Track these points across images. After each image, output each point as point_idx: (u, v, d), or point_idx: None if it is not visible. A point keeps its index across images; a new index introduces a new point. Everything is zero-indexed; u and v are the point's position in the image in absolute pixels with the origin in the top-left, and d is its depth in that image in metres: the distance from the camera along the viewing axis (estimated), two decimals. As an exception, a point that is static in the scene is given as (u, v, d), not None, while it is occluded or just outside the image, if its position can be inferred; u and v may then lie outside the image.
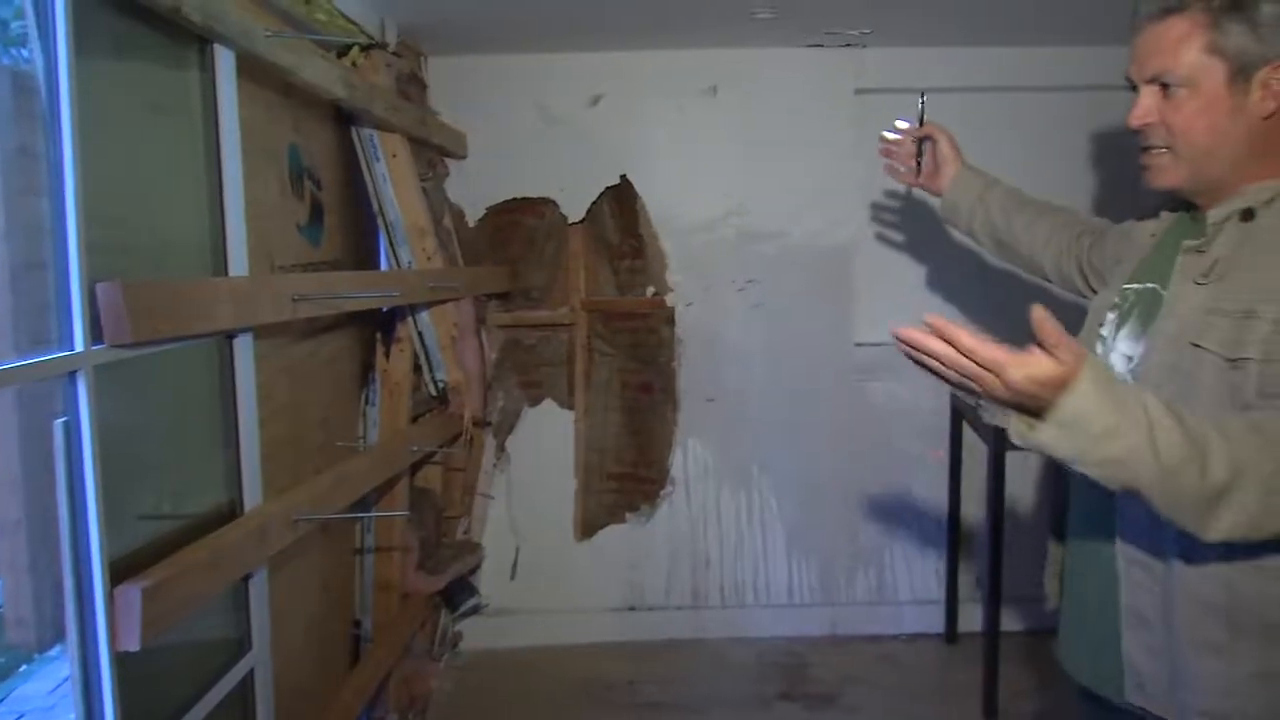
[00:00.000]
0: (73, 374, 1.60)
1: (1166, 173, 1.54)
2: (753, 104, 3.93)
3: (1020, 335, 1.27)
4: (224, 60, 2.05)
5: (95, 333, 1.62)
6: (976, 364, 1.23)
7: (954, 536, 4.01)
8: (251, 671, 2.21)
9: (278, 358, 2.49)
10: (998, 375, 1.23)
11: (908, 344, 1.27)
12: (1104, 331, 1.66)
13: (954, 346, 1.24)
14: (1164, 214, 1.71)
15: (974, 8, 3.29)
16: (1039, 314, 1.22)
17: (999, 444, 3.33)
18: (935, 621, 4.11)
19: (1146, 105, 1.52)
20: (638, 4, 3.19)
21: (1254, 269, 1.44)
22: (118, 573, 1.67)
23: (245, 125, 2.20)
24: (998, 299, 3.84)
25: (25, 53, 3.64)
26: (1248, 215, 1.49)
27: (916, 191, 2.66)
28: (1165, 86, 1.49)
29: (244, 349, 2.15)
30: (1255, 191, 1.49)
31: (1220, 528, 1.30)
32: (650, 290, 4.01)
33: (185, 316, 1.82)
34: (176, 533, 1.94)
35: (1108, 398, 1.25)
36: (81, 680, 1.64)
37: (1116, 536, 1.58)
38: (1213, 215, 1.53)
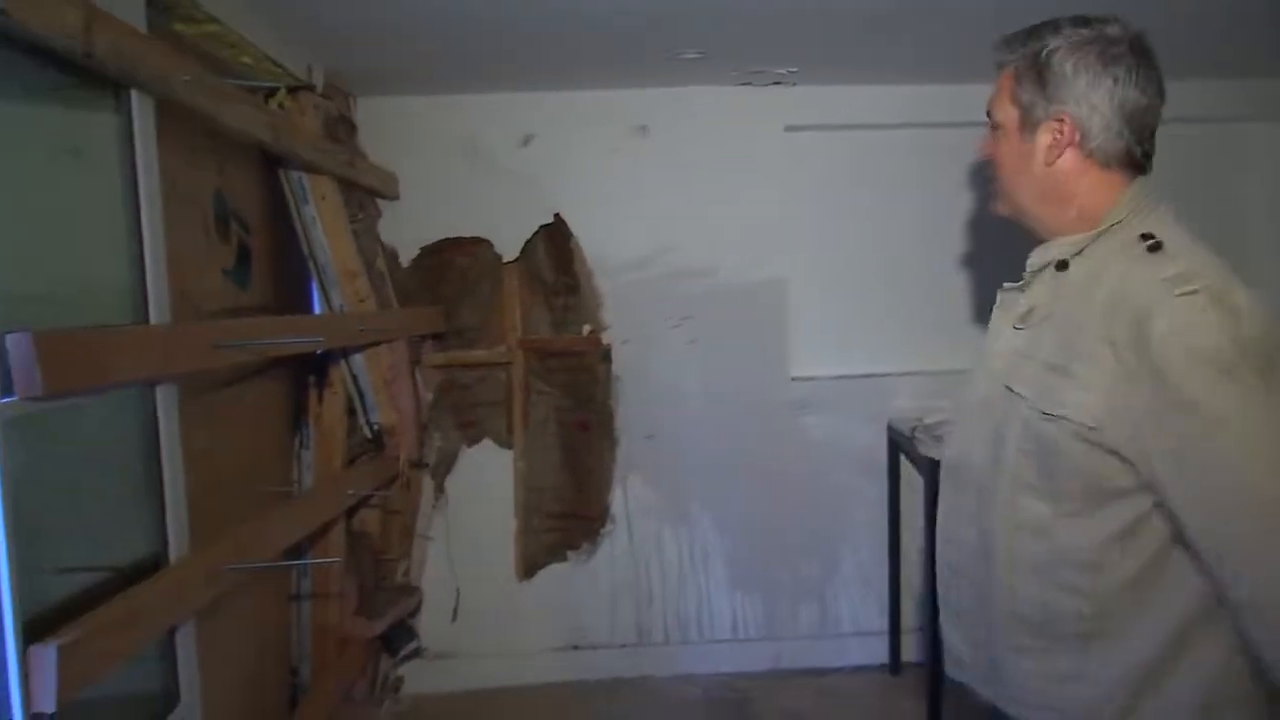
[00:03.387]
0: (-20, 429, 1.55)
1: (997, 200, 1.72)
2: (683, 142, 3.94)
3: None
4: (141, 106, 2.02)
5: (5, 385, 1.57)
6: None
7: (895, 567, 4.03)
8: (181, 725, 2.15)
9: (203, 404, 2.45)
10: None
11: None
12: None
13: None
14: None
15: (890, 48, 3.35)
16: None
17: (934, 475, 3.35)
18: (879, 653, 4.12)
19: (983, 141, 1.73)
20: (566, 45, 3.20)
21: (1066, 321, 1.54)
22: (35, 630, 1.62)
23: (167, 170, 2.16)
24: (937, 326, 3.94)
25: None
26: (1062, 266, 1.60)
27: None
28: (995, 127, 1.68)
29: (166, 397, 2.10)
30: (1066, 244, 1.60)
31: None
32: (586, 328, 4.00)
33: (101, 366, 1.77)
34: (99, 587, 1.89)
35: None
36: (-5, 743, 1.59)
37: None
38: (1031, 263, 1.66)
